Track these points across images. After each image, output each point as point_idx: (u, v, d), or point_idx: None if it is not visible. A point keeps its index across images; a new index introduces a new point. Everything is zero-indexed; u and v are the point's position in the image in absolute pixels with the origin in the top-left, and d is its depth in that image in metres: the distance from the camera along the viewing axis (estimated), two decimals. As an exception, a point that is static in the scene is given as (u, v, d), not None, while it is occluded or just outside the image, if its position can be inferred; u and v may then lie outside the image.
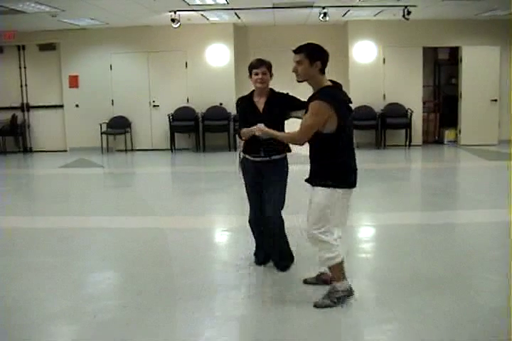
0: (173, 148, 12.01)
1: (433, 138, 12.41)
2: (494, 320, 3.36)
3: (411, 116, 11.64)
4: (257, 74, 4.06)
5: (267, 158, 4.14)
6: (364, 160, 10.82)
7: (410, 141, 11.71)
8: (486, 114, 11.69)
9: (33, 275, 4.39)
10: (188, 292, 3.94)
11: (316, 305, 3.62)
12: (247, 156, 4.24)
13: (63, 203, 7.42)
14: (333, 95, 3.48)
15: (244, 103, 4.22)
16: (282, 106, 4.10)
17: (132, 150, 12.19)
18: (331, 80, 3.58)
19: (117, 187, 8.92)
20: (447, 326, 3.30)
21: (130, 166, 11.28)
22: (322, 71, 3.53)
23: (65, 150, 12.38)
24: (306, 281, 4.04)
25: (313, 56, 3.47)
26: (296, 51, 3.52)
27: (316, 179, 3.59)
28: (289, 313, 3.57)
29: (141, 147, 12.26)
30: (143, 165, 11.13)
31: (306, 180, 3.67)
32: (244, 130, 4.00)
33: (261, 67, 4.06)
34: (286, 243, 4.39)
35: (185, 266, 4.52)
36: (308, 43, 3.56)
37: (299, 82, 3.58)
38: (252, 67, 4.10)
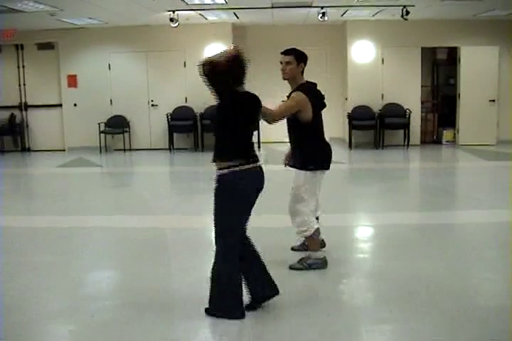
0: (171, 147, 12.01)
1: (431, 138, 12.42)
2: (493, 320, 3.36)
3: (409, 116, 11.65)
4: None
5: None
6: (362, 159, 10.93)
7: (408, 141, 11.71)
8: (485, 114, 11.70)
9: (31, 275, 4.38)
10: (187, 291, 3.94)
11: (291, 267, 4.29)
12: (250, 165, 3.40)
13: (62, 202, 7.40)
14: (310, 90, 4.19)
15: None
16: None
17: (131, 149, 12.19)
18: (307, 81, 4.24)
19: (116, 186, 8.92)
20: (446, 326, 3.30)
21: (129, 166, 11.28)
22: (302, 72, 4.21)
23: (64, 150, 12.37)
24: (293, 248, 4.70)
25: (299, 58, 4.16)
26: (287, 53, 4.18)
27: (301, 164, 4.20)
28: (288, 312, 3.57)
29: (140, 146, 12.26)
30: (141, 164, 11.13)
31: (291, 165, 4.34)
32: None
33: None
34: None
35: (184, 265, 4.52)
36: (294, 48, 4.23)
37: (284, 79, 4.23)
38: None
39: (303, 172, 4.16)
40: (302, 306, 3.66)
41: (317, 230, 4.25)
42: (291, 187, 4.26)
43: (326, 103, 4.34)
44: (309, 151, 4.19)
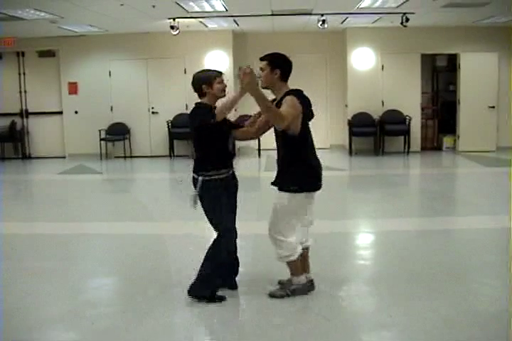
0: (172, 154, 12.02)
1: (431, 145, 12.42)
2: (493, 325, 3.36)
3: (409, 122, 11.66)
4: (221, 82, 4.05)
5: (233, 170, 4.05)
6: (363, 166, 10.93)
7: (409, 148, 11.72)
8: (485, 121, 11.72)
9: (31, 280, 4.38)
10: (186, 297, 3.93)
11: (270, 295, 3.88)
12: (216, 176, 3.95)
13: (62, 209, 7.39)
14: (301, 95, 3.70)
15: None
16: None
17: (131, 156, 12.19)
18: (292, 89, 3.76)
19: (116, 193, 8.91)
20: (446, 331, 3.30)
21: (129, 172, 11.27)
22: (284, 79, 3.75)
23: (64, 157, 12.38)
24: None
25: (274, 64, 3.71)
26: (262, 59, 3.78)
27: (281, 183, 3.74)
28: (288, 318, 3.57)
29: (140, 154, 12.26)
30: (142, 171, 11.13)
31: (272, 183, 3.79)
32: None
33: (222, 75, 4.07)
34: None
35: (184, 272, 4.49)
36: (274, 52, 3.81)
37: (262, 88, 3.71)
38: (214, 76, 4.08)
39: (283, 193, 3.71)
40: (301, 312, 3.66)
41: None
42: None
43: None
44: (295, 169, 3.71)
